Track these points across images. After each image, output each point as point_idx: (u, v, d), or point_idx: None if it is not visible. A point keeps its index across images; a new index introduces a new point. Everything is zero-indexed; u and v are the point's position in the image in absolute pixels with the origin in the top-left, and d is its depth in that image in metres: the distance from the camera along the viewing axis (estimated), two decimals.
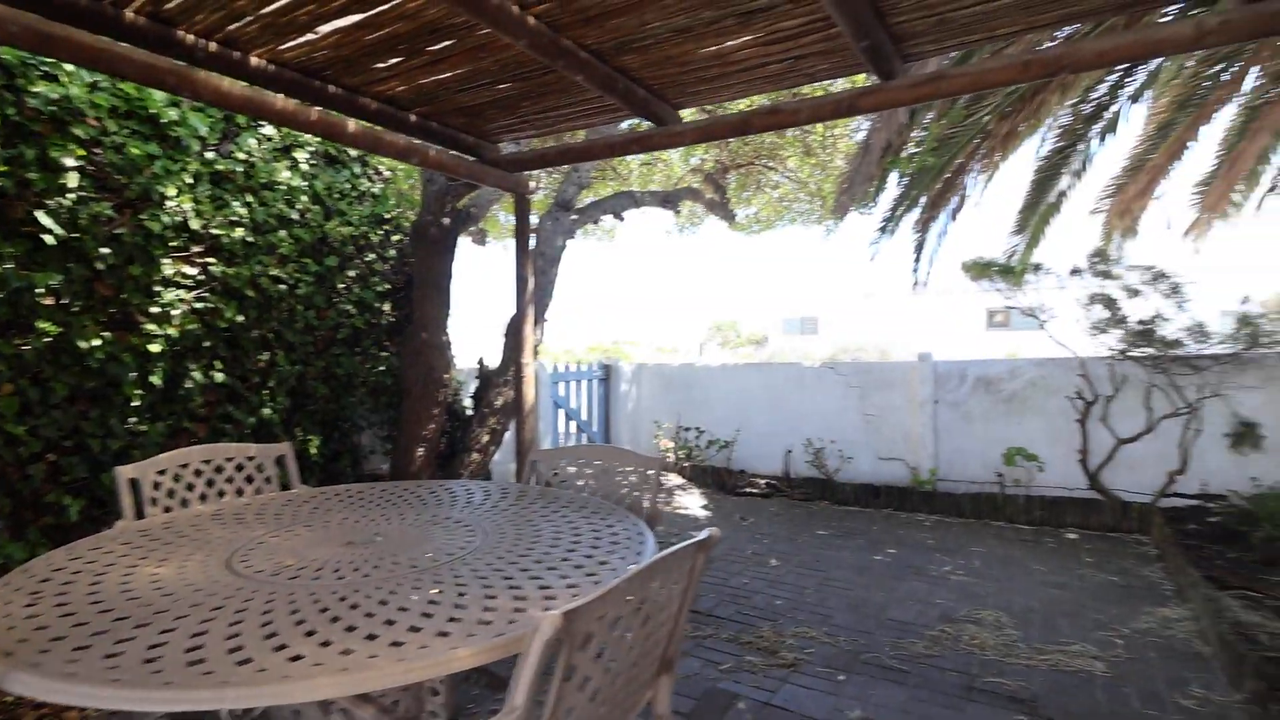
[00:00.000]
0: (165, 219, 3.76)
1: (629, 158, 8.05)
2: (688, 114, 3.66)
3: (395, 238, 5.39)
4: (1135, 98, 6.49)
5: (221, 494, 2.77)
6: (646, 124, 3.64)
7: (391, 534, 2.09)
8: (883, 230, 6.91)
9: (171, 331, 3.82)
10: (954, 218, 7.07)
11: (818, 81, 3.28)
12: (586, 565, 1.77)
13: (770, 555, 4.87)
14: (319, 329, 4.79)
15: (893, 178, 7.17)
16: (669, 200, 6.57)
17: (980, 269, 6.27)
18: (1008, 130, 6.65)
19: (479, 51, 2.99)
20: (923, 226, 7.33)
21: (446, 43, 2.95)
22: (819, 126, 7.29)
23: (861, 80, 3.62)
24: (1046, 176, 7.15)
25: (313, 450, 4.71)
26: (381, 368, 5.22)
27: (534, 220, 5.83)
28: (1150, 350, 5.45)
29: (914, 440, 6.62)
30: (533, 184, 7.71)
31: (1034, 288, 6.44)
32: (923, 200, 7.17)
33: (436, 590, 1.59)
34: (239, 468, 2.86)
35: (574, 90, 3.32)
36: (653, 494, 2.60)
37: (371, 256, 5.23)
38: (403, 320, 5.24)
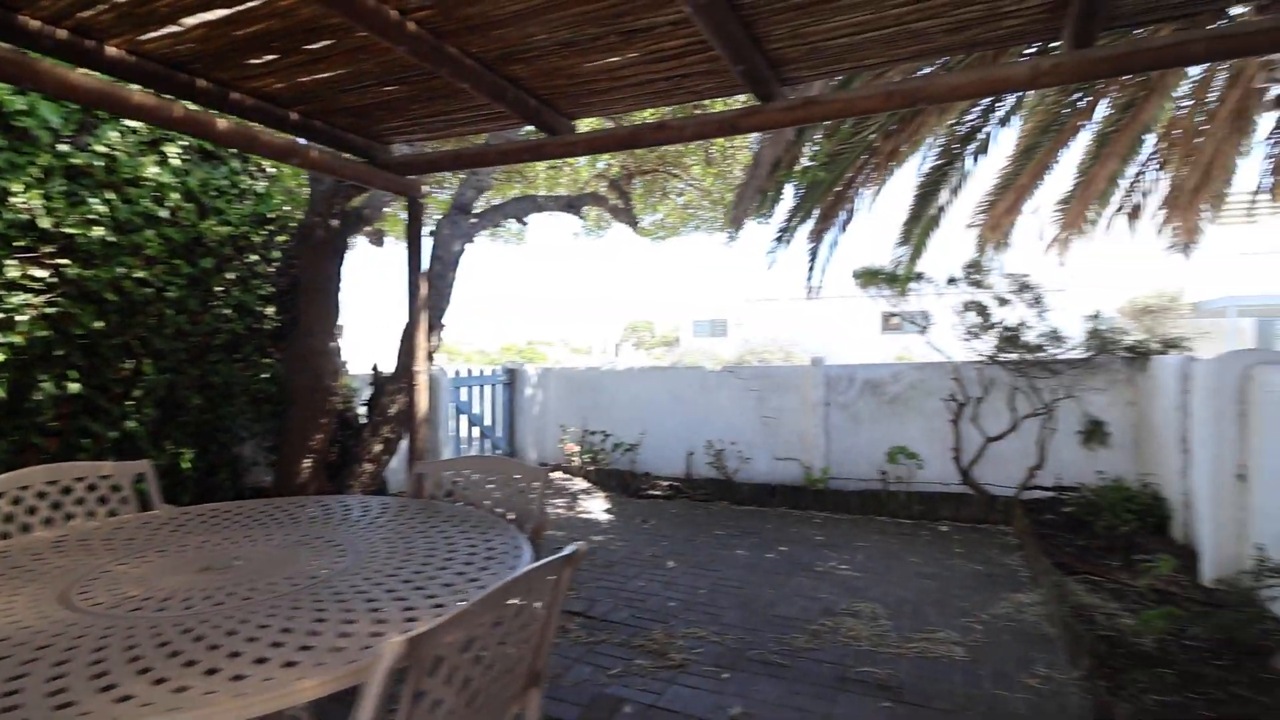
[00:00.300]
0: (9, 216, 3.43)
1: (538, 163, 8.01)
2: (594, 123, 3.69)
3: (280, 238, 5.14)
4: (1004, 122, 7.03)
5: (70, 517, 2.56)
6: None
7: (254, 557, 2.01)
8: (779, 240, 7.19)
9: (16, 339, 3.49)
10: (844, 229, 7.44)
11: (704, 99, 3.38)
12: (456, 584, 1.76)
13: (669, 557, 4.97)
14: (192, 335, 4.50)
15: (790, 189, 7.48)
16: (573, 205, 6.58)
17: (869, 277, 6.63)
18: (891, 148, 7.07)
19: (360, 53, 2.91)
20: (816, 237, 7.67)
21: (325, 42, 2.85)
22: (719, 139, 7.49)
23: (744, 101, 3.76)
24: (927, 192, 7.64)
25: (185, 464, 4.42)
26: (265, 375, 4.96)
27: (445, 221, 5.71)
28: (1017, 354, 5.94)
29: (808, 441, 6.92)
30: (429, 187, 7.54)
31: (917, 295, 6.88)
32: (816, 212, 7.52)
33: (291, 617, 1.54)
34: (91, 488, 2.65)
35: (464, 96, 3.28)
36: (539, 505, 2.61)
37: (254, 258, 4.96)
38: (288, 325, 5.00)
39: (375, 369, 5.53)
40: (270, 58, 3.00)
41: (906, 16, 2.46)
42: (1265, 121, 7.20)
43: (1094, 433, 5.88)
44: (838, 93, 2.88)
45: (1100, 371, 5.99)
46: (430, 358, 5.19)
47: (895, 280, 6.65)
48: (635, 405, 7.82)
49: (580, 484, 7.29)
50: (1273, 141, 7.34)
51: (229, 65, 3.07)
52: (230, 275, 4.77)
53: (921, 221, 7.91)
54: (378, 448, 5.00)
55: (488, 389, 7.83)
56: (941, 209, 7.70)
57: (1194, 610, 3.51)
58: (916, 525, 5.84)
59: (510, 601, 1.39)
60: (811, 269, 7.70)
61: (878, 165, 7.51)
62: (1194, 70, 6.73)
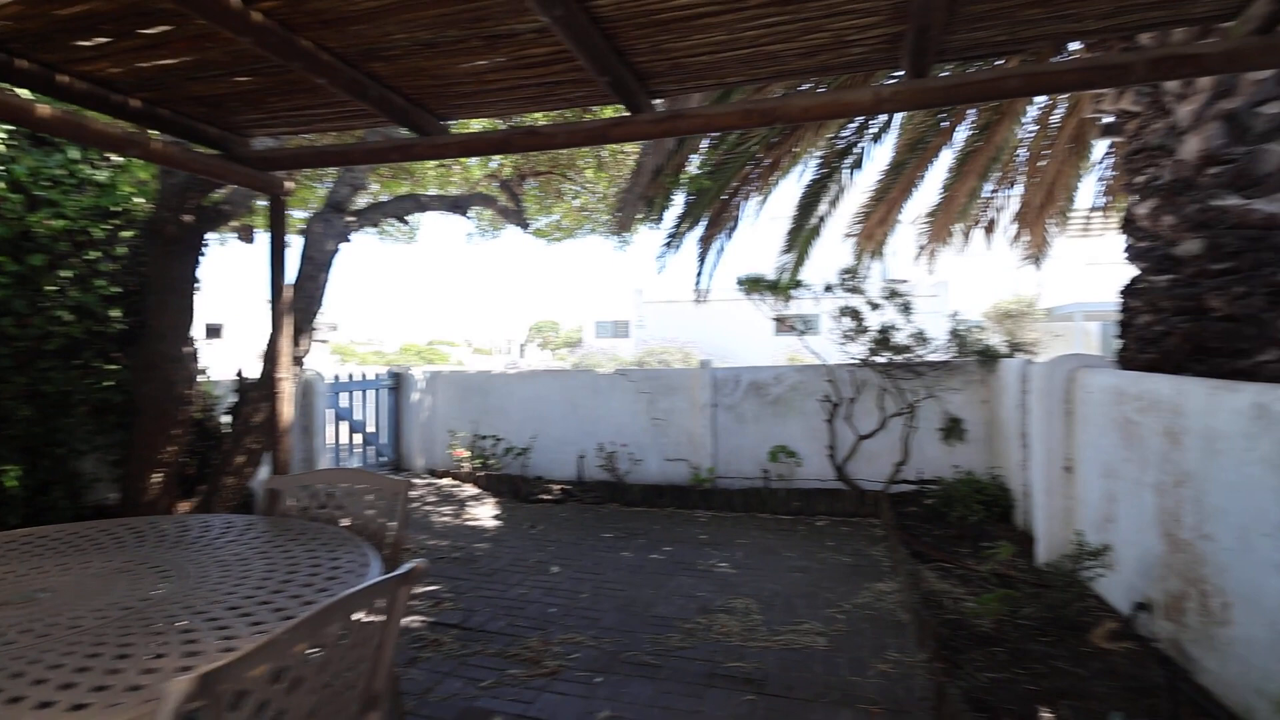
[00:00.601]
0: None
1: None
2: (488, 123, 3.61)
3: (127, 233, 4.72)
4: (876, 139, 7.49)
5: None
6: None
7: (64, 587, 1.84)
8: (668, 245, 7.35)
9: None
10: (730, 236, 7.70)
11: (576, 107, 3.40)
12: (289, 608, 1.68)
13: (554, 562, 4.95)
14: (19, 339, 4.06)
15: (681, 196, 7.65)
16: (459, 205, 6.43)
17: (752, 284, 6.87)
18: (773, 160, 7.37)
19: (205, 40, 2.72)
20: (704, 243, 7.89)
21: (163, 27, 2.65)
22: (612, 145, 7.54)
23: (614, 111, 3.80)
24: (808, 203, 8.03)
25: (11, 483, 3.98)
26: (108, 383, 4.54)
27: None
28: (887, 356, 6.33)
29: (696, 441, 7.09)
30: (312, 183, 7.15)
31: (799, 301, 7.20)
32: (705, 219, 7.73)
33: (92, 654, 1.42)
34: None
35: (324, 91, 3.14)
36: (401, 519, 2.54)
37: (95, 255, 4.53)
38: (136, 328, 4.60)
39: (240, 375, 5.19)
40: (101, 40, 2.75)
41: (761, 39, 2.57)
42: (1100, 147, 8.06)
43: (952, 430, 6.37)
44: (700, 108, 2.97)
45: (958, 372, 6.48)
46: (299, 362, 4.92)
47: (777, 287, 6.93)
48: (528, 409, 7.74)
49: (470, 490, 7.14)
50: (1105, 165, 8.22)
51: (55, 46, 2.80)
52: (66, 274, 4.33)
53: (804, 230, 8.30)
54: (240, 459, 4.69)
55: (371, 394, 7.52)
56: (821, 219, 8.10)
57: (1028, 591, 3.86)
58: (795, 520, 6.10)
59: (329, 628, 1.34)
60: (700, 274, 7.91)
61: (762, 175, 7.81)
62: (1040, 99, 7.43)
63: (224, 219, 4.70)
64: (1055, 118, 7.57)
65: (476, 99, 3.25)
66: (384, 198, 7.76)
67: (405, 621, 3.80)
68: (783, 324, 7.52)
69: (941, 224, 8.83)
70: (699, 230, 7.76)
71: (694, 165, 7.46)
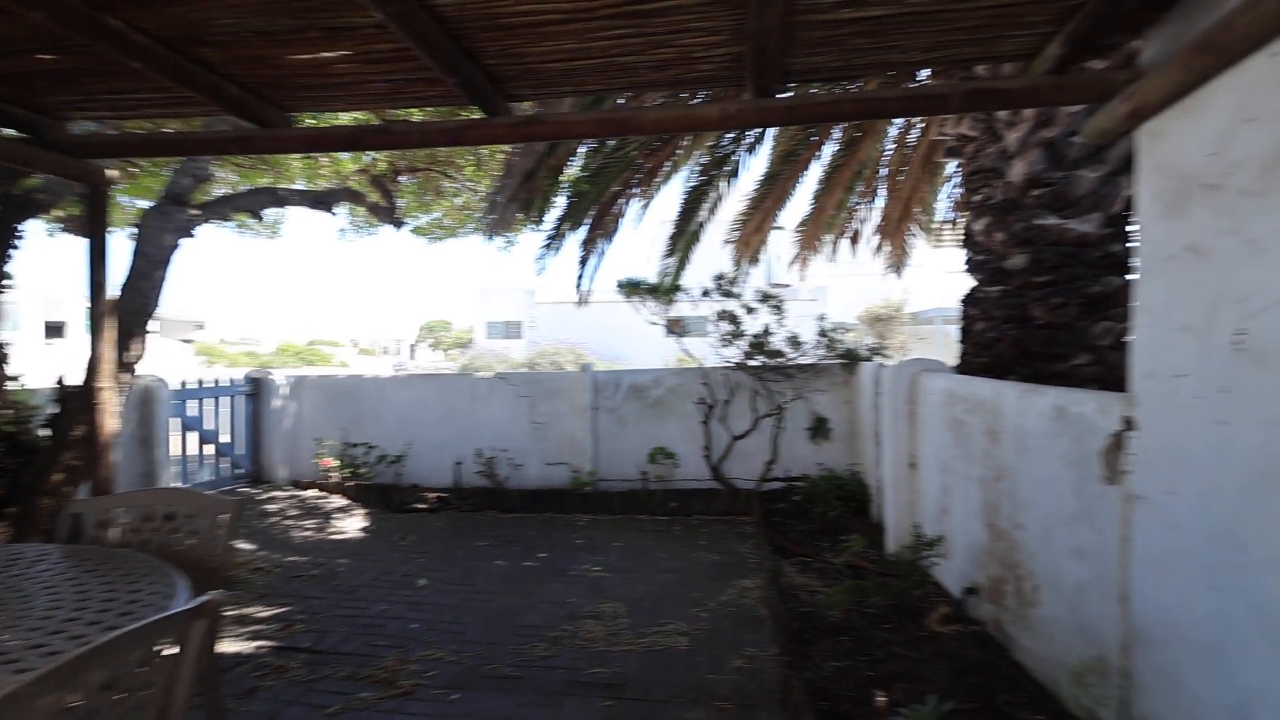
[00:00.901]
0: None
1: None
2: (364, 116, 3.40)
3: None
4: (751, 150, 7.77)
5: None
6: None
7: None
8: (548, 247, 7.29)
9: None
10: (612, 240, 7.75)
11: (430, 106, 3.29)
12: (68, 650, 1.51)
13: (422, 574, 4.78)
14: None
15: (562, 199, 7.60)
16: (323, 201, 6.08)
17: (631, 288, 6.93)
18: (653, 166, 7.49)
19: None
20: (586, 246, 7.89)
21: None
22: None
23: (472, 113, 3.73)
24: (689, 209, 8.21)
25: None
26: None
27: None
28: (762, 359, 6.58)
29: (577, 445, 7.08)
30: (114, 173, 6.52)
31: (680, 304, 7.34)
32: (588, 221, 7.73)
33: None
34: None
35: (145, 75, 2.87)
36: (225, 541, 2.35)
37: None
38: None
39: (60, 383, 4.65)
40: None
41: (612, 50, 2.59)
42: (951, 166, 8.76)
43: (818, 429, 6.71)
44: (556, 115, 2.96)
45: (824, 375, 6.83)
46: (130, 369, 4.48)
47: (656, 291, 7.03)
48: (403, 415, 7.44)
49: (338, 502, 6.77)
50: (954, 183, 8.93)
51: None
52: None
53: (685, 236, 8.48)
54: (58, 478, 4.20)
55: (225, 401, 6.97)
56: (701, 225, 8.31)
57: (876, 581, 4.12)
58: (671, 521, 6.22)
59: (94, 674, 1.22)
60: (581, 276, 7.90)
61: (643, 181, 7.91)
62: (899, 120, 7.97)
63: (39, 209, 4.20)
64: (912, 137, 8.15)
65: (323, 92, 3.08)
66: (244, 188, 7.22)
67: (247, 648, 3.55)
68: (673, 326, 7.66)
69: (812, 233, 9.29)
70: (581, 233, 7.75)
71: (576, 167, 7.45)
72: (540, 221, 7.28)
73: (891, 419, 4.74)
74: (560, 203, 7.51)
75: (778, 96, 2.73)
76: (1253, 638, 1.89)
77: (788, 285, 24.96)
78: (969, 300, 5.57)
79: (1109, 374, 4.14)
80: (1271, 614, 1.82)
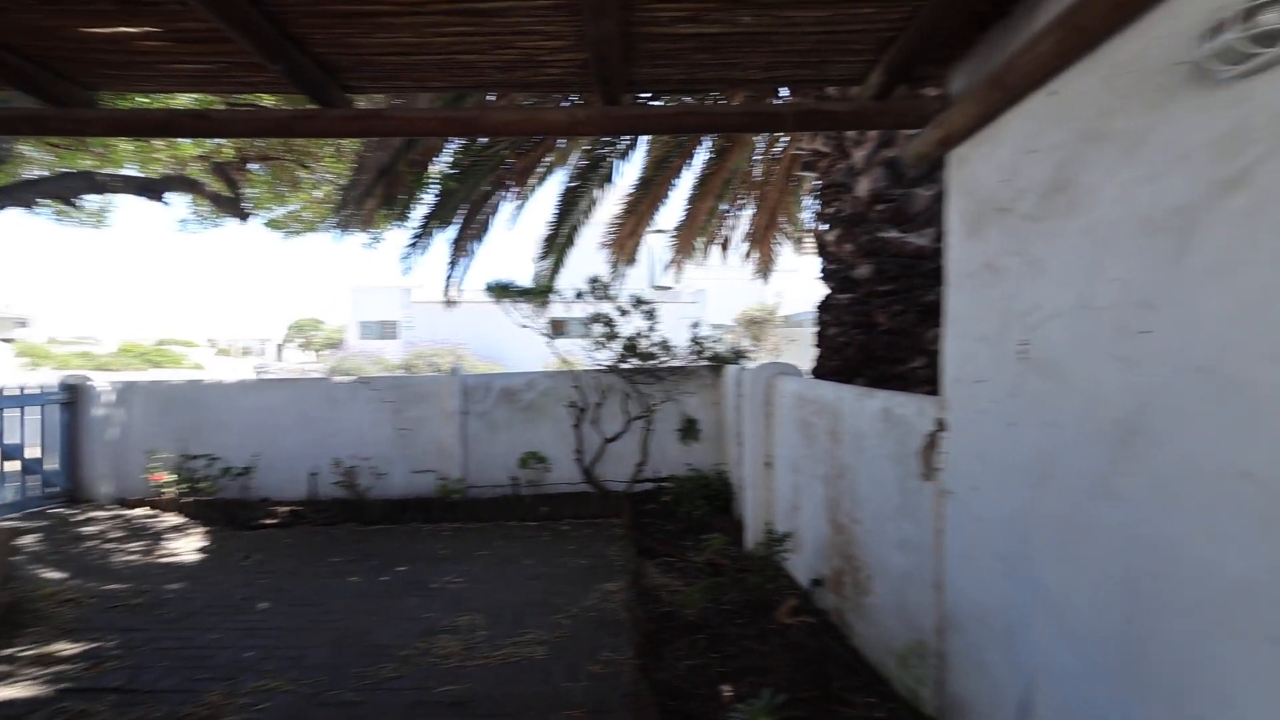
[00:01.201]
0: None
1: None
2: (190, 99, 3.05)
3: None
4: (624, 155, 7.83)
5: None
6: None
7: None
8: (413, 246, 7.01)
9: None
10: (482, 239, 7.56)
11: (256, 92, 3.05)
12: None
13: (264, 597, 4.43)
14: None
15: (431, 196, 7.32)
16: (151, 188, 5.50)
17: (500, 290, 6.78)
18: (526, 167, 7.39)
19: None
20: (458, 245, 7.67)
21: None
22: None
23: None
24: (564, 211, 8.18)
25: None
26: None
27: None
28: (635, 362, 6.63)
29: (445, 451, 6.84)
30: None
31: (554, 306, 7.27)
32: (457, 221, 7.50)
33: None
34: None
35: None
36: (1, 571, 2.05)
37: None
38: None
39: None
40: None
41: (453, 47, 2.50)
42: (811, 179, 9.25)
43: (688, 430, 6.87)
44: (396, 110, 2.82)
45: (694, 377, 7.00)
46: None
47: (528, 294, 6.92)
48: (253, 423, 6.88)
49: (172, 520, 6.15)
50: (813, 195, 9.43)
51: None
52: None
53: (560, 238, 8.43)
54: None
55: (33, 411, 6.15)
56: (576, 228, 8.29)
57: (733, 577, 4.26)
58: (542, 527, 6.15)
59: None
60: (451, 276, 7.66)
61: (517, 180, 7.79)
62: (764, 134, 8.31)
63: None
64: (778, 150, 8.54)
65: (131, 71, 2.77)
66: (64, 171, 6.39)
67: (43, 692, 3.13)
68: (555, 329, 7.57)
69: (686, 238, 9.52)
70: (451, 232, 7.51)
71: (445, 164, 7.21)
72: (405, 219, 6.98)
73: (750, 420, 4.92)
74: (429, 200, 7.25)
75: (625, 105, 2.75)
76: (1035, 621, 2.11)
77: (669, 288, 25.51)
78: (823, 307, 5.91)
79: (940, 377, 4.51)
80: (1049, 599, 2.03)
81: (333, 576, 4.83)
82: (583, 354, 7.04)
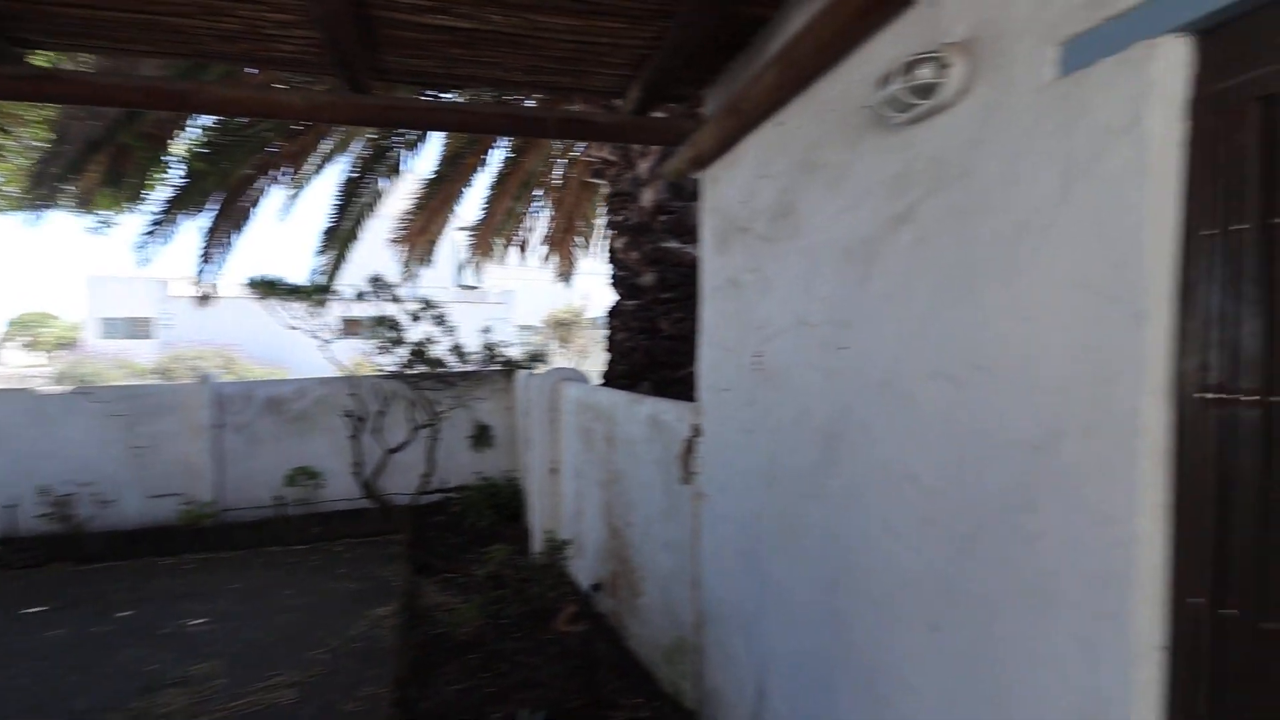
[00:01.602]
0: None
1: None
2: None
3: None
4: (412, 147, 7.39)
5: None
6: None
7: None
8: (152, 234, 6.02)
9: None
10: (242, 230, 6.73)
11: None
12: None
13: None
14: None
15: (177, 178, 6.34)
16: None
17: (266, 287, 6.07)
18: (297, 151, 6.69)
19: None
20: (213, 235, 6.74)
21: None
22: None
23: None
24: (346, 203, 7.54)
25: None
26: None
27: None
28: (424, 367, 6.26)
29: (194, 471, 5.97)
30: None
31: (337, 306, 6.65)
32: (212, 207, 6.59)
33: None
34: None
35: None
36: None
37: None
38: None
39: None
40: None
41: (155, 7, 2.13)
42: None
43: (481, 437, 6.65)
44: (80, 73, 2.36)
45: (487, 382, 6.80)
46: None
47: (299, 292, 6.27)
48: None
49: None
50: (605, 202, 9.63)
51: None
52: None
53: (342, 232, 7.77)
54: None
55: None
56: (359, 221, 7.68)
57: (516, 588, 4.15)
58: (311, 549, 5.59)
59: None
60: (205, 269, 6.74)
61: (290, 166, 7.04)
62: (560, 139, 8.30)
63: None
64: (575, 154, 8.58)
65: None
66: None
67: None
68: (350, 326, 6.91)
69: (484, 238, 9.24)
70: (204, 219, 6.58)
71: (194, 141, 6.28)
72: (140, 200, 5.97)
73: (537, 426, 4.86)
74: (174, 181, 6.27)
75: (376, 95, 2.54)
76: (767, 612, 2.26)
77: (475, 288, 24.77)
78: (613, 312, 6.02)
79: (696, 384, 4.79)
80: (777, 592, 2.19)
81: (24, 631, 3.98)
82: (373, 359, 6.52)
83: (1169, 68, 1.03)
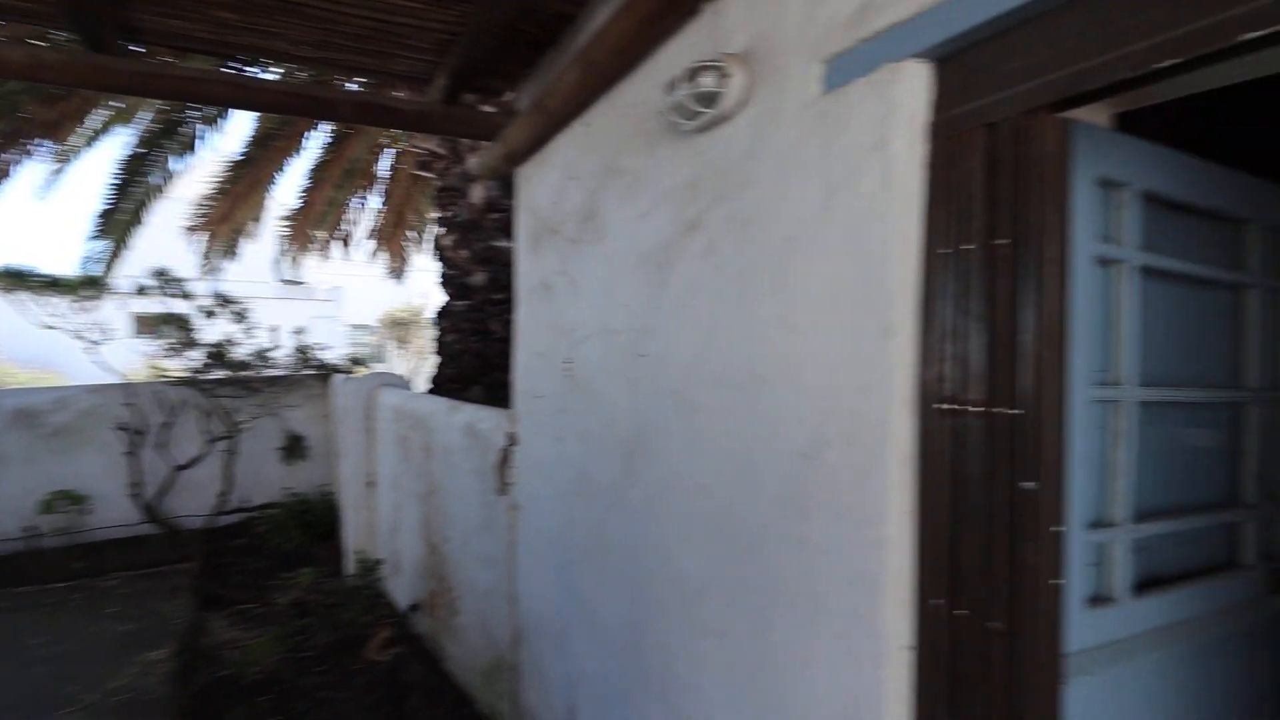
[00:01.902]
0: None
1: None
2: None
3: None
4: (212, 123, 6.59)
5: None
6: None
7: None
8: None
9: None
10: None
11: None
12: None
13: None
14: None
15: None
16: None
17: (15, 279, 5.09)
18: (57, 119, 5.73)
19: None
20: None
21: None
22: None
23: None
24: (128, 182, 6.58)
25: None
26: None
27: None
28: (224, 372, 5.54)
29: None
30: None
31: (106, 301, 5.73)
32: None
33: None
34: None
35: None
36: None
37: None
38: None
39: None
40: None
41: None
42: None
43: (293, 448, 6.06)
44: None
45: (300, 387, 6.20)
46: None
47: (61, 285, 5.34)
48: None
49: None
50: (433, 197, 9.22)
51: None
52: None
53: (122, 215, 6.78)
54: None
55: None
56: (142, 205, 6.73)
57: (324, 615, 3.78)
58: (72, 588, 4.77)
59: None
60: None
61: (50, 135, 6.02)
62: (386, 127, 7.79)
63: None
64: (404, 144, 8.10)
65: None
66: None
67: None
68: (146, 324, 5.91)
69: (301, 229, 8.46)
70: None
71: None
72: None
73: (351, 435, 4.48)
74: None
75: (125, 57, 2.16)
76: (576, 627, 2.19)
77: (300, 284, 22.76)
78: (442, 313, 5.71)
79: (512, 390, 4.69)
80: (585, 606, 2.13)
81: None
82: (162, 362, 5.68)
83: (912, 91, 1.08)
